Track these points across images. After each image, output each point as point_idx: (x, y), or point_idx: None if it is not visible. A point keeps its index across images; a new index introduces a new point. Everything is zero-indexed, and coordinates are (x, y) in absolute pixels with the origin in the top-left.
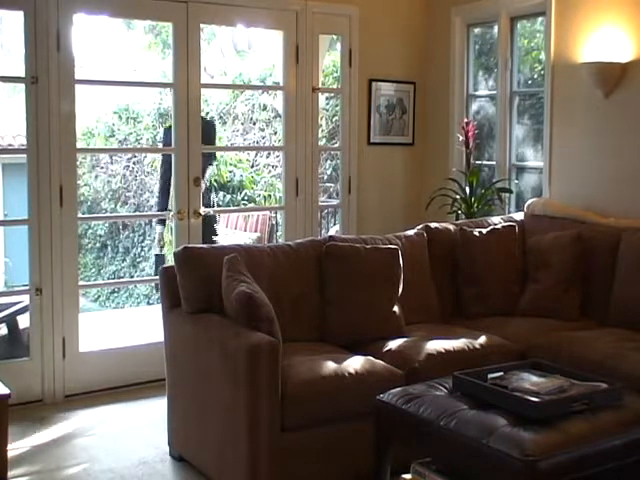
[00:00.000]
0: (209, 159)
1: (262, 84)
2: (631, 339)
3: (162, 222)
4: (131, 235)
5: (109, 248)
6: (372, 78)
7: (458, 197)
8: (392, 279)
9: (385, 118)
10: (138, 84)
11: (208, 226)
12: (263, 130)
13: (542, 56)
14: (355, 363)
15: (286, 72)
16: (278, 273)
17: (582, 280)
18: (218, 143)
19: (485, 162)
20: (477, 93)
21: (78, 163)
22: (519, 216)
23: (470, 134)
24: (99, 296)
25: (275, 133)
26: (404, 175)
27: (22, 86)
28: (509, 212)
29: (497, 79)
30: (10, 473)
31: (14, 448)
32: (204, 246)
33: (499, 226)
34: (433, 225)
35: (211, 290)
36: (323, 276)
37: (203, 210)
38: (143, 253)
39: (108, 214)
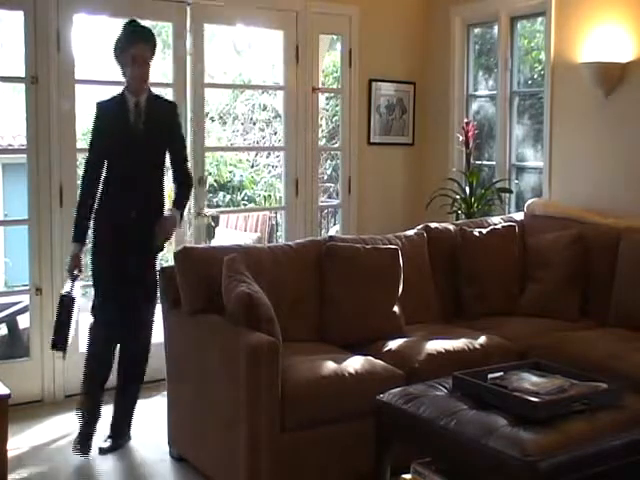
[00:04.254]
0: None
1: (262, 84)
2: (631, 339)
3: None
4: None
5: None
6: (372, 78)
7: (458, 197)
8: (392, 279)
9: (385, 118)
10: None
11: None
12: (263, 130)
13: (542, 56)
14: (355, 363)
15: (286, 72)
16: (278, 273)
17: (582, 280)
18: (217, 143)
19: (485, 162)
20: (477, 93)
21: (78, 163)
22: (519, 216)
23: (470, 134)
24: None
25: (275, 133)
26: (404, 175)
27: (22, 86)
28: (509, 212)
29: (497, 79)
30: (10, 473)
31: (14, 448)
32: (204, 246)
33: (499, 226)
34: (433, 225)
35: (211, 290)
36: (323, 276)
37: (207, 211)
38: None
39: None
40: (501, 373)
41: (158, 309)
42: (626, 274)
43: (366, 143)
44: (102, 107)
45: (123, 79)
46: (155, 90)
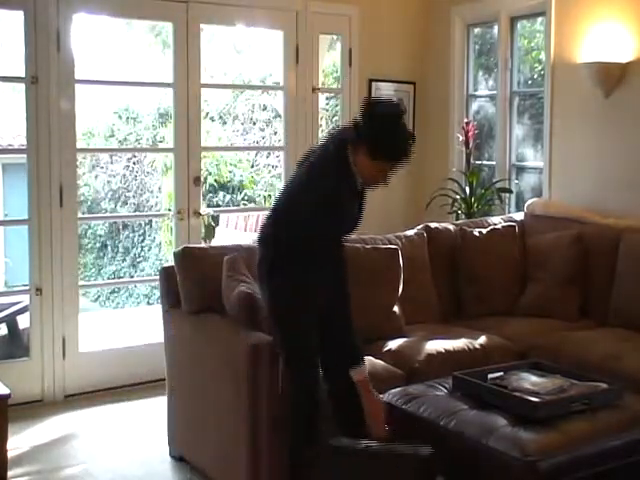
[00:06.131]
0: None
1: (262, 84)
2: (631, 339)
3: None
4: (131, 235)
5: (109, 248)
6: (372, 78)
7: (458, 197)
8: (392, 279)
9: None
10: (138, 84)
11: None
12: (263, 130)
13: (542, 56)
14: None
15: (286, 72)
16: None
17: (582, 280)
18: (218, 143)
19: (485, 162)
20: (477, 93)
21: (78, 163)
22: (519, 216)
23: (470, 134)
24: (99, 296)
25: (275, 133)
26: (404, 175)
27: (22, 86)
28: (509, 212)
29: (497, 79)
30: (10, 473)
31: (14, 448)
32: (204, 246)
33: (499, 226)
34: (433, 225)
35: (211, 290)
36: None
37: (203, 210)
38: (143, 253)
39: (108, 214)
40: (501, 373)
41: (158, 309)
42: (626, 274)
43: None
44: (342, 190)
45: (353, 164)
46: (155, 90)
